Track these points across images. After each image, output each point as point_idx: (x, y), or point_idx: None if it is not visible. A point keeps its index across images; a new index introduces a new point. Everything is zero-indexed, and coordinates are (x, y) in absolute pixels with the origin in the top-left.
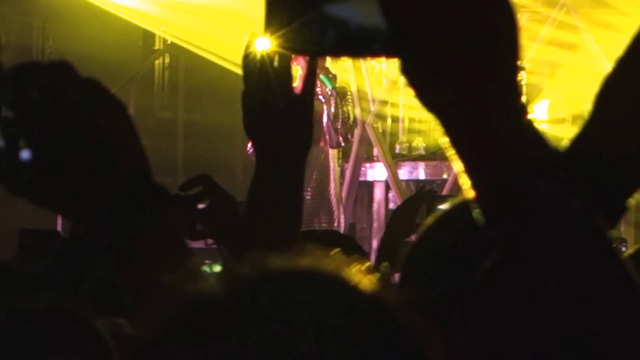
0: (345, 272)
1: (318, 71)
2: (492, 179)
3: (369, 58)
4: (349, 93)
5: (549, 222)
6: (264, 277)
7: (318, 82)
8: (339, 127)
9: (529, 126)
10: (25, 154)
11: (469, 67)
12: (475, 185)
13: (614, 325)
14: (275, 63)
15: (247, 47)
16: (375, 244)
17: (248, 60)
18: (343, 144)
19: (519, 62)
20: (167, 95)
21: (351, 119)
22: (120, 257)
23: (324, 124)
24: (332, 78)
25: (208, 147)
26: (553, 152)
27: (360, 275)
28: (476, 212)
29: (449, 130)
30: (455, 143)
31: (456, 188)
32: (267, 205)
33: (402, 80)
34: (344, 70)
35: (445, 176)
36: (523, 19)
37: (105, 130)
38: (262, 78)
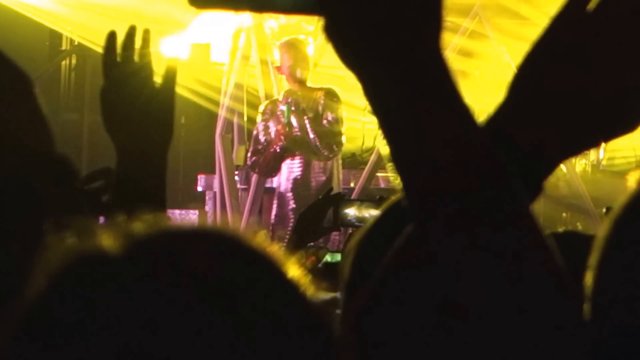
0: (237, 232)
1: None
2: (410, 144)
3: (292, 15)
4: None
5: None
6: (159, 235)
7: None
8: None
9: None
10: None
11: (394, 25)
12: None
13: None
14: (137, 58)
15: (108, 42)
16: None
17: (109, 56)
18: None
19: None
20: (73, 96)
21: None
22: (21, 228)
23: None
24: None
25: (113, 149)
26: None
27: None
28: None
29: (368, 91)
30: (374, 107)
31: (364, 194)
32: (130, 198)
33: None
34: (252, 76)
35: (352, 184)
36: None
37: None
38: (123, 74)
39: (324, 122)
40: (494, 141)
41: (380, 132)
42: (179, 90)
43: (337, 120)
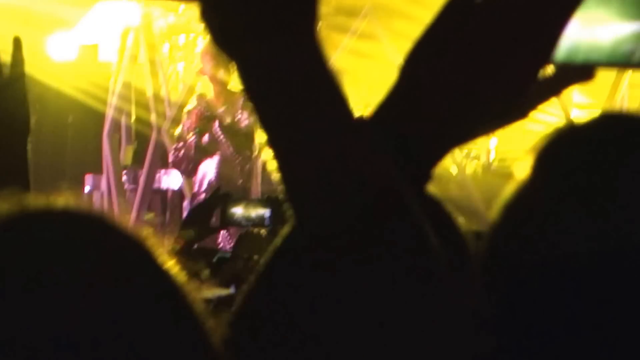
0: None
1: None
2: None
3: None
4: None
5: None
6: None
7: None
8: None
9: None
10: None
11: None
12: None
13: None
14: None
15: None
16: None
17: None
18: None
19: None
20: None
21: None
22: None
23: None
24: None
25: None
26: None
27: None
28: None
29: (242, 74)
30: (248, 91)
31: (253, 192)
32: None
33: (198, 86)
34: (141, 76)
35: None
36: (323, 27)
37: None
38: None
39: (242, 125)
40: (378, 133)
41: None
42: (67, 89)
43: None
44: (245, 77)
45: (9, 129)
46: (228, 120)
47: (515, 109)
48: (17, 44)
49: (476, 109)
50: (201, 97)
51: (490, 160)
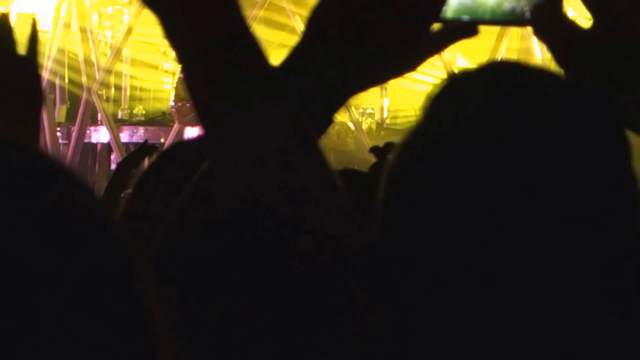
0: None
1: None
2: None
3: None
4: None
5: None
6: None
7: None
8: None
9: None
10: None
11: None
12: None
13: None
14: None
15: None
16: None
17: None
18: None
19: None
20: None
21: None
22: None
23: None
24: None
25: None
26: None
27: None
28: None
29: (166, 28)
30: (172, 41)
31: None
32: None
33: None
34: (73, 42)
35: (162, 140)
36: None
37: None
38: None
39: None
40: (288, 77)
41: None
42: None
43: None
44: (168, 32)
45: (24, 101)
46: None
47: (406, 60)
48: (33, 23)
49: (371, 57)
50: None
51: (384, 118)
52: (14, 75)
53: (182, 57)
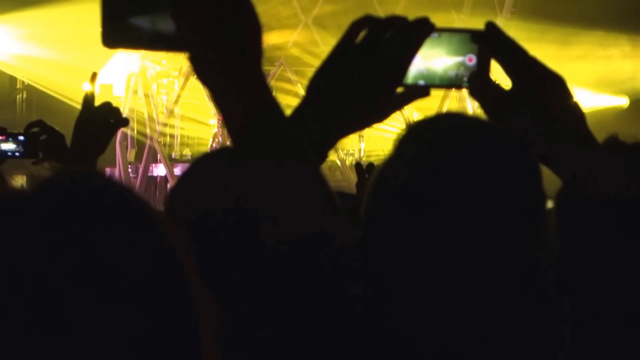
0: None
1: None
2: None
3: (172, 52)
4: None
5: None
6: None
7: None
8: None
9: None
10: None
11: (220, 60)
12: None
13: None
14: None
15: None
16: None
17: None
18: None
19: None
20: (25, 117)
21: None
22: None
23: None
24: None
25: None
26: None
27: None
28: None
29: (214, 96)
30: (217, 104)
31: None
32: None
33: (177, 110)
34: (139, 104)
35: None
36: None
37: None
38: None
39: None
40: (296, 126)
41: None
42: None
43: None
44: (213, 97)
45: (98, 152)
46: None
47: (378, 114)
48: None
49: (354, 114)
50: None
51: (361, 156)
52: (93, 134)
53: (223, 114)
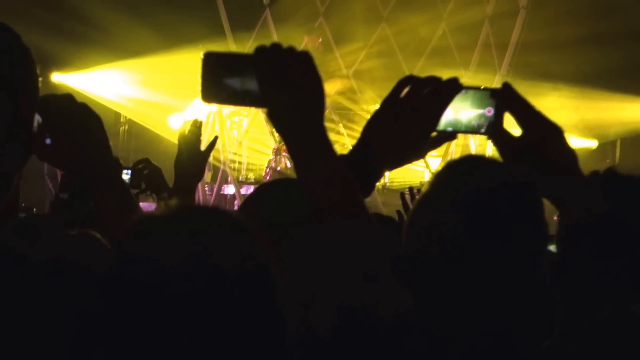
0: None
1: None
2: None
3: (255, 107)
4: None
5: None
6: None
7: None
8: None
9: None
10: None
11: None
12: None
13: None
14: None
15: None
16: None
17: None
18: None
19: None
20: (125, 146)
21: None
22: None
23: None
24: None
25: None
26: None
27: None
28: None
29: (284, 141)
30: (287, 147)
31: None
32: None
33: (244, 142)
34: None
35: None
36: None
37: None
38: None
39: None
40: (350, 163)
41: None
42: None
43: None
44: (289, 148)
45: (196, 179)
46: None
47: (417, 153)
48: (198, 124)
49: (399, 153)
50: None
51: (385, 182)
52: (195, 163)
53: (290, 154)
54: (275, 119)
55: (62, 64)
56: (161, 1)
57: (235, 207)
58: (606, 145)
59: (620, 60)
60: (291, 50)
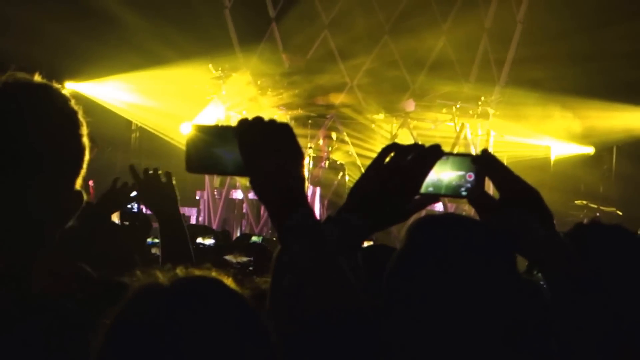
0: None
1: None
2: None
3: (238, 176)
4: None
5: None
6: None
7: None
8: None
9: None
10: None
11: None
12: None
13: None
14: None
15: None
16: (239, 232)
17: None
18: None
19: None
20: (137, 151)
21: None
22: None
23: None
24: None
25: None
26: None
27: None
28: None
29: (267, 209)
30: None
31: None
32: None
33: None
34: None
35: None
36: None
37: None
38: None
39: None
40: (339, 221)
41: None
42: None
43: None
44: (263, 201)
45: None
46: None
47: (401, 215)
48: (168, 175)
49: (384, 215)
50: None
51: None
52: (163, 196)
53: (267, 211)
54: (256, 188)
55: (76, 75)
56: (173, 16)
57: (244, 211)
58: (603, 152)
59: (616, 76)
60: (272, 122)
